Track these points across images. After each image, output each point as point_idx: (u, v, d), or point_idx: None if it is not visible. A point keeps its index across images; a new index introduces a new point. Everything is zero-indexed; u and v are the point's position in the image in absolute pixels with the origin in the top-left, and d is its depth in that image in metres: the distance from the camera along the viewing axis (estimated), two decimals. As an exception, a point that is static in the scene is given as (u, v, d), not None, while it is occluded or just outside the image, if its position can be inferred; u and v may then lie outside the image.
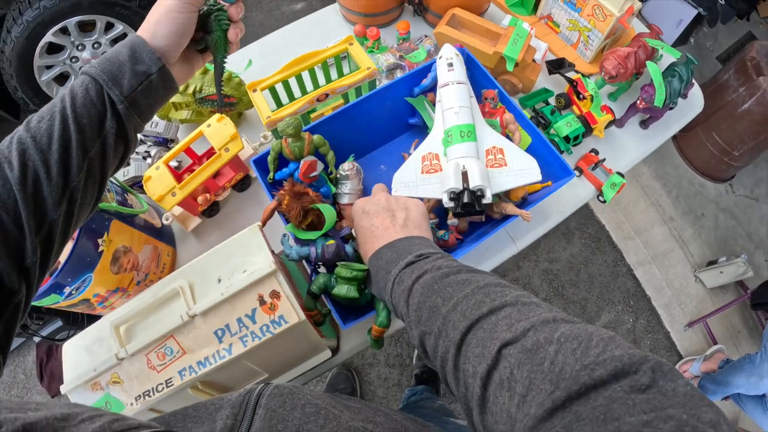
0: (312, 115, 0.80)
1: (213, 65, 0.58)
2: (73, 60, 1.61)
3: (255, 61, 0.96)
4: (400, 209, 0.59)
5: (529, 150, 0.79)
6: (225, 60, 0.58)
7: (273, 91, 0.84)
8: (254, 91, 0.80)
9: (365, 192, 0.81)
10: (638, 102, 0.92)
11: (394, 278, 0.49)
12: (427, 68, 0.78)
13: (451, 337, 0.37)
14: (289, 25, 1.05)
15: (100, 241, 0.70)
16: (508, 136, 0.77)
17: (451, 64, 0.72)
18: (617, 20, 0.91)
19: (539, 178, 0.68)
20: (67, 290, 0.68)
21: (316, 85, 0.88)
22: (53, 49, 1.57)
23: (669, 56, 0.96)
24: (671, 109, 0.97)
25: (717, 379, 1.50)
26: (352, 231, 0.65)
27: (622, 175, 0.90)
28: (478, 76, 0.80)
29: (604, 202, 0.90)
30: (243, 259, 0.59)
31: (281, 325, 0.56)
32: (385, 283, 0.50)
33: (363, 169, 0.83)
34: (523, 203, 0.75)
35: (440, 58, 0.74)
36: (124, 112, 0.47)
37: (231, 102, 0.89)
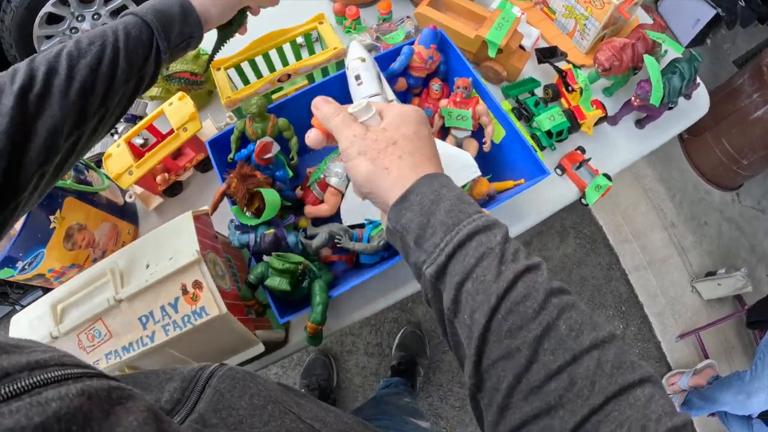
0: (274, 96, 0.74)
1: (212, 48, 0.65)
2: (73, 31, 1.58)
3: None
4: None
5: (502, 144, 0.71)
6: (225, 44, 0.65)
7: (240, 70, 0.78)
8: (218, 69, 0.74)
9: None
10: (633, 99, 0.83)
11: (460, 240, 0.32)
12: (396, 52, 0.70)
13: (593, 391, 0.27)
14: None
15: (51, 217, 0.67)
16: (480, 128, 0.70)
17: (358, 77, 0.63)
18: (616, 9, 0.82)
19: (478, 173, 0.61)
20: (20, 264, 0.67)
21: (285, 65, 0.82)
22: (53, 19, 1.53)
23: (672, 52, 0.86)
24: (670, 109, 0.87)
25: (704, 395, 1.41)
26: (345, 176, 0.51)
27: (609, 178, 0.81)
28: (453, 62, 0.73)
29: (587, 205, 0.82)
30: (172, 246, 0.54)
31: (202, 317, 0.51)
32: (440, 238, 0.33)
33: (325, 156, 0.77)
34: (489, 201, 0.68)
35: (347, 68, 0.65)
36: (164, 60, 0.52)
37: (199, 80, 0.84)
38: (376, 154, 0.37)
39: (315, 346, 0.64)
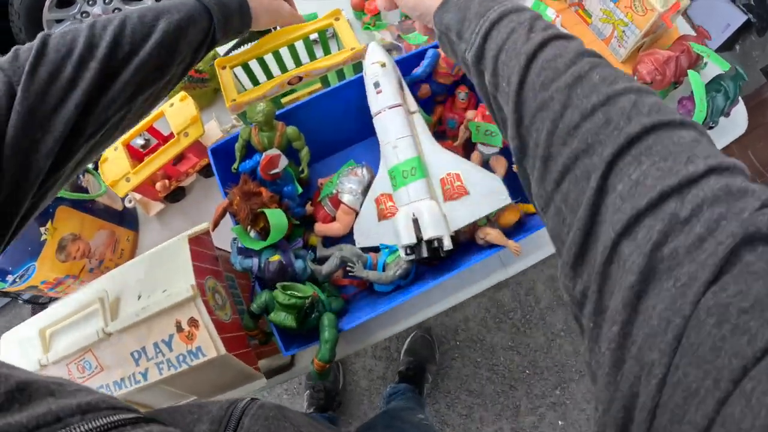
0: (284, 100, 0.66)
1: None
2: (84, 15, 1.49)
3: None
4: None
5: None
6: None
7: (248, 69, 0.70)
8: (223, 68, 0.66)
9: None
10: (672, 116, 0.74)
11: (492, 22, 0.34)
12: (420, 55, 0.62)
13: (630, 123, 0.24)
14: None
15: (42, 229, 0.61)
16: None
17: (377, 84, 0.55)
18: (659, 16, 0.73)
19: (508, 200, 0.53)
20: (10, 278, 0.62)
21: (297, 64, 0.73)
22: (63, 2, 1.45)
23: (714, 66, 0.76)
24: (711, 128, 0.78)
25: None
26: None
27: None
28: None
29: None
30: (166, 276, 0.47)
31: (199, 358, 0.45)
32: (480, 14, 0.36)
33: (340, 166, 0.70)
34: (519, 229, 0.60)
35: (365, 73, 0.57)
36: (212, 49, 0.51)
37: (204, 78, 0.76)
38: None
39: (321, 381, 0.57)
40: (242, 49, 0.65)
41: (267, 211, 0.51)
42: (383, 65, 0.56)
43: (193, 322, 0.45)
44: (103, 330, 0.47)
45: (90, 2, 1.50)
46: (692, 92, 0.69)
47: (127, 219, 0.76)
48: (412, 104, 0.57)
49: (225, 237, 0.59)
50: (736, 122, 0.83)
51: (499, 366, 1.47)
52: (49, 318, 0.51)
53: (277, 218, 0.51)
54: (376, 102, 0.55)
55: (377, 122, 0.56)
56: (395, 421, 0.89)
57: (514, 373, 1.47)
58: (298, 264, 0.54)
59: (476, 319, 1.49)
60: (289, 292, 0.50)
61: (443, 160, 0.55)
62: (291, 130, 0.59)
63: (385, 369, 1.46)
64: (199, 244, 0.52)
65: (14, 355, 0.52)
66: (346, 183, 0.61)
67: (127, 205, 0.76)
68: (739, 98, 0.80)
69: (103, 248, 0.71)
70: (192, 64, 0.50)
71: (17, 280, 0.62)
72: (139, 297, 0.47)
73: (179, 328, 0.45)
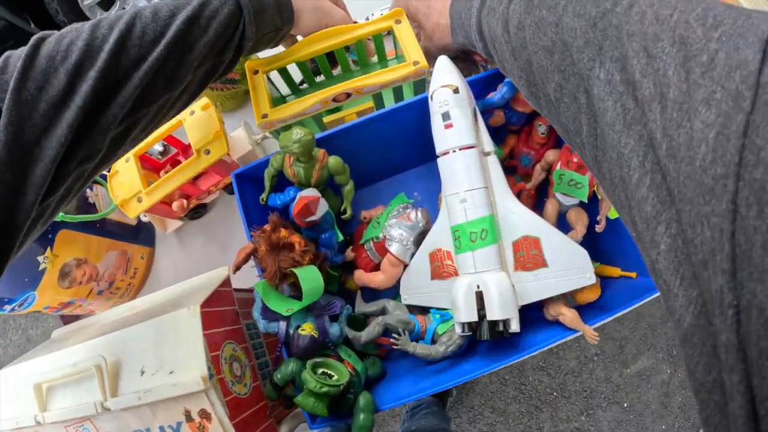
0: (326, 119, 0.55)
1: None
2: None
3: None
4: None
5: (619, 223, 0.51)
6: None
7: (286, 73, 0.59)
8: (255, 72, 0.55)
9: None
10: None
11: (478, 9, 0.41)
12: (497, 76, 0.50)
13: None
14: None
15: (40, 258, 0.54)
16: (594, 197, 0.50)
17: (446, 116, 0.43)
18: None
19: (593, 280, 0.42)
20: (8, 307, 0.56)
21: (346, 70, 0.62)
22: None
23: None
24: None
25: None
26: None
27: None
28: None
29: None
30: (173, 353, 0.39)
31: (211, 456, 0.37)
32: (469, 18, 0.42)
33: (391, 195, 0.59)
34: (597, 303, 0.48)
35: (431, 98, 0.45)
36: (245, 48, 0.43)
37: (233, 78, 0.65)
38: None
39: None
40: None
41: (298, 271, 0.42)
42: (456, 91, 0.44)
43: (204, 414, 0.37)
44: (102, 404, 0.39)
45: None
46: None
47: (141, 235, 0.68)
48: (487, 143, 0.45)
49: (247, 274, 0.50)
50: None
51: (527, 386, 1.41)
52: (44, 372, 0.44)
53: (310, 281, 0.42)
54: (443, 139, 0.44)
55: (443, 164, 0.44)
56: None
57: (542, 394, 1.40)
58: (334, 330, 0.45)
59: (507, 338, 1.41)
60: (321, 372, 0.41)
61: (520, 219, 0.44)
62: (334, 161, 0.48)
63: (406, 378, 1.40)
64: (216, 302, 0.44)
65: (10, 401, 0.47)
66: (396, 228, 0.50)
67: (142, 218, 0.68)
68: None
69: (114, 269, 0.63)
70: (217, 69, 0.43)
71: (17, 307, 0.55)
72: (142, 373, 0.39)
73: (189, 418, 0.37)
